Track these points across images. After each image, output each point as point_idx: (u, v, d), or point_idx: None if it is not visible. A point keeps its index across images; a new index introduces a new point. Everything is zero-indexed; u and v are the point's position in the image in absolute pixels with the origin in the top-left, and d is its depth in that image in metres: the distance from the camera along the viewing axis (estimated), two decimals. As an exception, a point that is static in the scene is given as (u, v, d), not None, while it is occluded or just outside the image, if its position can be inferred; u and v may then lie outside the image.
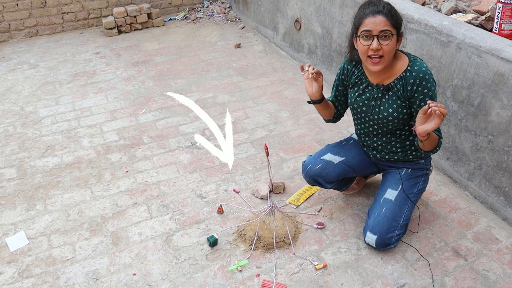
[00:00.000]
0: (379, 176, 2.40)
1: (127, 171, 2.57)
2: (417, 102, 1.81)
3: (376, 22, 1.71)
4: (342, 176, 2.08)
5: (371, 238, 1.95)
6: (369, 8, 1.74)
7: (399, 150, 1.99)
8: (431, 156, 2.08)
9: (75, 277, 1.91)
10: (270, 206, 2.06)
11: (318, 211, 2.25)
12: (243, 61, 3.98)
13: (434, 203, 2.27)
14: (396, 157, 2.02)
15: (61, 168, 2.61)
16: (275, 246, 2.02)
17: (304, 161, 2.14)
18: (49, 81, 3.67)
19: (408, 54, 1.85)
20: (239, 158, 2.68)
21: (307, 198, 2.34)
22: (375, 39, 1.72)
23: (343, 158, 2.08)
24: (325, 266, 1.93)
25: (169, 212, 2.26)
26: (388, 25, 1.71)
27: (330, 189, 2.37)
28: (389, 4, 1.76)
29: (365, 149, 2.12)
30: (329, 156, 2.08)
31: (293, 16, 3.78)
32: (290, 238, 2.05)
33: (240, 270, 1.92)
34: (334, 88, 2.09)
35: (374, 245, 1.95)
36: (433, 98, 1.79)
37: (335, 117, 2.15)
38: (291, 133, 2.91)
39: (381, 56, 1.74)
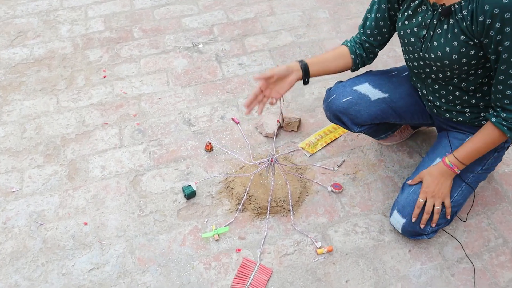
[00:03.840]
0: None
1: (104, 76, 2.03)
2: (493, 47, 1.07)
3: None
4: (378, 119, 1.42)
5: (398, 220, 1.39)
6: None
7: (466, 110, 1.30)
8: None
9: (16, 218, 1.54)
10: (268, 160, 1.50)
11: (339, 166, 1.68)
12: None
13: (501, 177, 1.62)
14: (461, 118, 1.33)
15: (29, 64, 2.10)
16: (269, 211, 1.53)
17: (330, 88, 1.49)
18: None
19: None
20: (249, 72, 2.04)
21: (327, 144, 1.75)
22: None
23: (386, 95, 1.41)
24: (330, 251, 1.43)
25: (145, 140, 1.77)
26: None
27: (360, 134, 1.77)
28: None
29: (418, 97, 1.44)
30: (365, 88, 1.40)
31: None
32: (291, 204, 1.53)
33: (217, 240, 1.47)
34: (375, 7, 1.32)
35: (400, 231, 1.41)
36: None
37: (356, 66, 1.42)
38: (326, 43, 2.19)
39: None
